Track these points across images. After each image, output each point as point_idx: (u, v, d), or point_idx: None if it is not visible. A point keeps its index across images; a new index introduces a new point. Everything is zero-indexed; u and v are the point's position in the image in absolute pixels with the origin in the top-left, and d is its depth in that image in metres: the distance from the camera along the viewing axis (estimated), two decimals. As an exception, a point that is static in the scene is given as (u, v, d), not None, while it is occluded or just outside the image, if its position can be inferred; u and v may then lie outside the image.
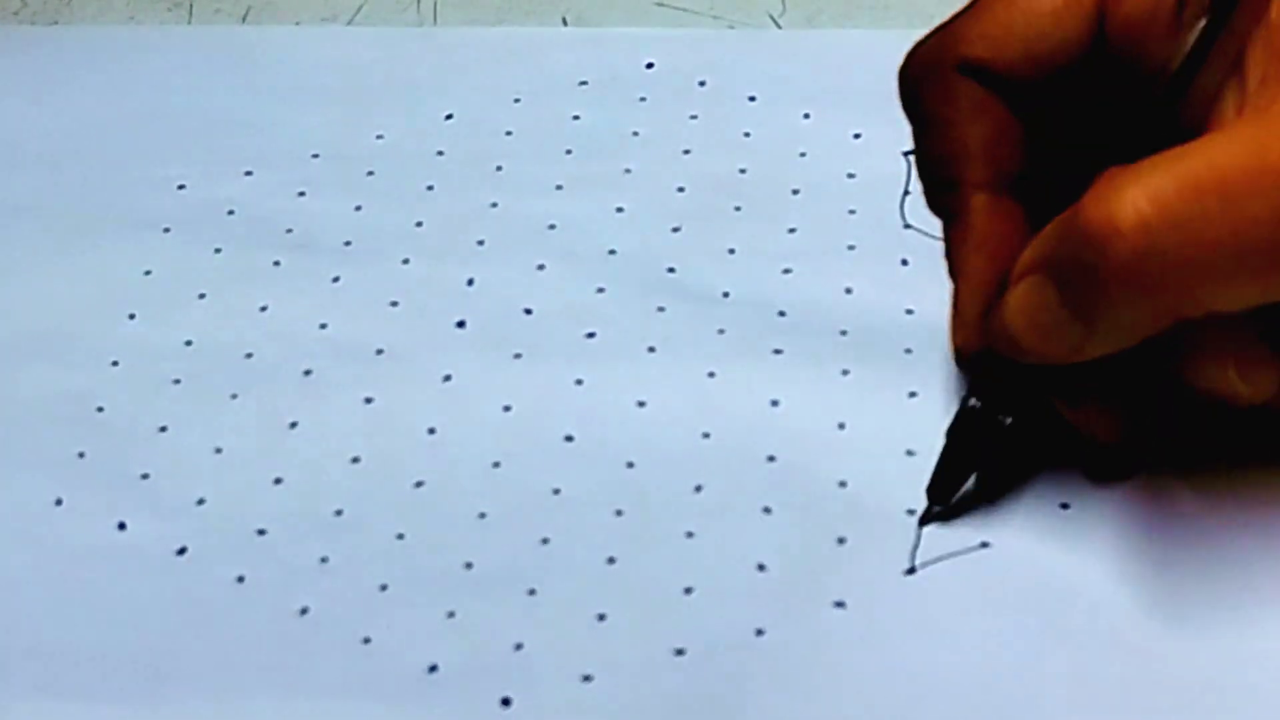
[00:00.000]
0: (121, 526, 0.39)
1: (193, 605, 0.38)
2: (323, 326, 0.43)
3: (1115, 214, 0.32)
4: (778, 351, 0.42)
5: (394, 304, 0.44)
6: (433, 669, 0.36)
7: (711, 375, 0.42)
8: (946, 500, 0.38)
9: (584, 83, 0.50)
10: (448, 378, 0.42)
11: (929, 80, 0.38)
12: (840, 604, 0.37)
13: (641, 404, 0.41)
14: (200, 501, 0.40)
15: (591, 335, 0.43)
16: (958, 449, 0.38)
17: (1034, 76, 0.37)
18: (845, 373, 0.41)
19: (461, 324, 0.43)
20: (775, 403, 0.41)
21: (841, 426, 0.40)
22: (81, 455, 0.41)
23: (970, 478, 0.38)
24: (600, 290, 0.44)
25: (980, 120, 0.37)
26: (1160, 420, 0.38)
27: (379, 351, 0.43)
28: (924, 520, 0.38)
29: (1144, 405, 0.37)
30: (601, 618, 0.37)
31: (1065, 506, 0.38)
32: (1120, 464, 0.39)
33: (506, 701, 0.36)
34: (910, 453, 0.39)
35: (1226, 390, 0.35)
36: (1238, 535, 0.37)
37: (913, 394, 0.41)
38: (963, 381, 0.40)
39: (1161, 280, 0.32)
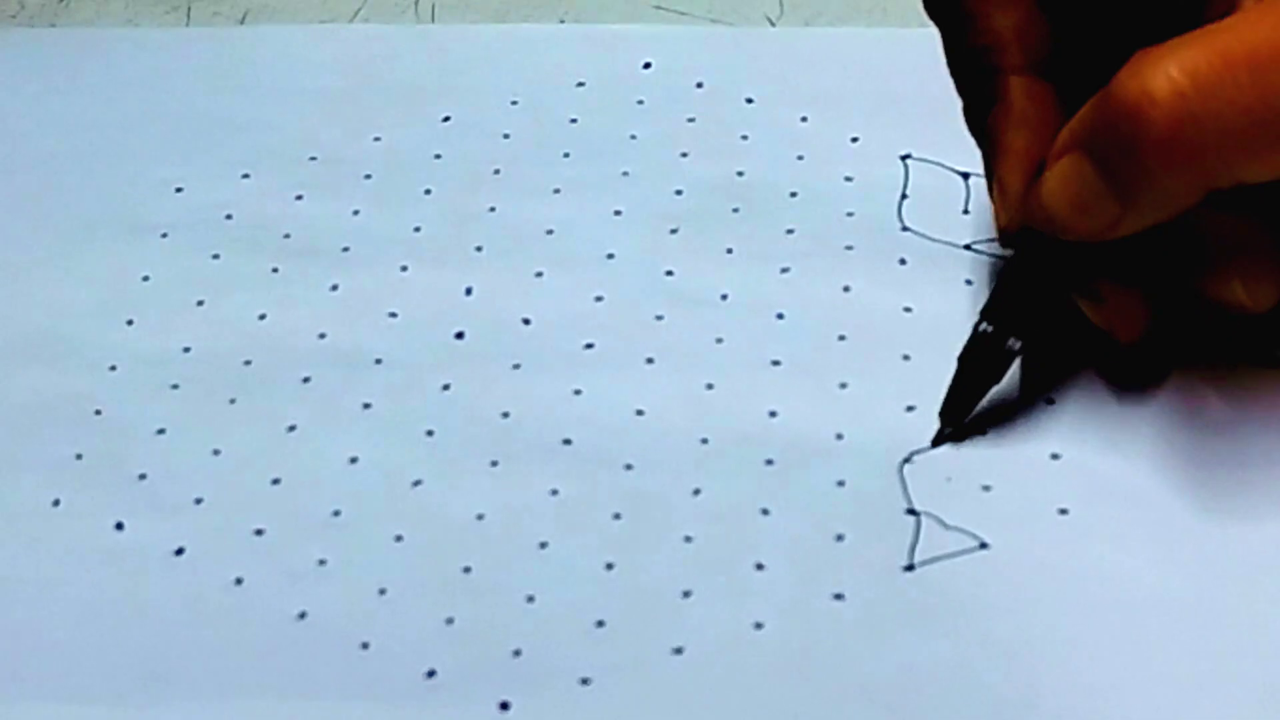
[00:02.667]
0: (119, 527, 0.39)
1: (190, 606, 0.38)
2: (321, 336, 0.43)
3: (1150, 85, 0.33)
4: (776, 363, 0.42)
5: (392, 315, 0.44)
6: (431, 674, 0.36)
7: (710, 387, 0.42)
8: (958, 423, 0.39)
9: (581, 84, 0.50)
10: (446, 387, 0.42)
11: None
12: (839, 597, 0.37)
13: (640, 412, 0.41)
14: (198, 501, 0.40)
15: (590, 346, 0.43)
16: (969, 372, 0.39)
17: None
18: (843, 385, 0.41)
19: (460, 335, 0.43)
20: (773, 413, 0.41)
21: (839, 437, 0.40)
22: (79, 456, 0.41)
23: (981, 400, 0.39)
24: (599, 299, 0.44)
25: (1009, 8, 0.39)
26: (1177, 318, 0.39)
27: (377, 361, 0.43)
28: (936, 441, 0.39)
29: (1163, 302, 0.39)
30: (600, 624, 0.37)
31: (1064, 512, 0.38)
32: (1140, 366, 0.39)
33: (505, 706, 0.36)
34: (909, 459, 0.39)
35: (1232, 300, 0.37)
36: (1238, 540, 0.37)
37: (911, 408, 0.41)
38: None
39: (1195, 148, 0.34)
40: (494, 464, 0.40)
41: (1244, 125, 0.33)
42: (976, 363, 0.39)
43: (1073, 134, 0.36)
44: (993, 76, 0.39)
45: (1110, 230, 0.36)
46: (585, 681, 0.36)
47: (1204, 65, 0.33)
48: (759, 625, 0.37)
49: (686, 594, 0.37)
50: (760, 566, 0.38)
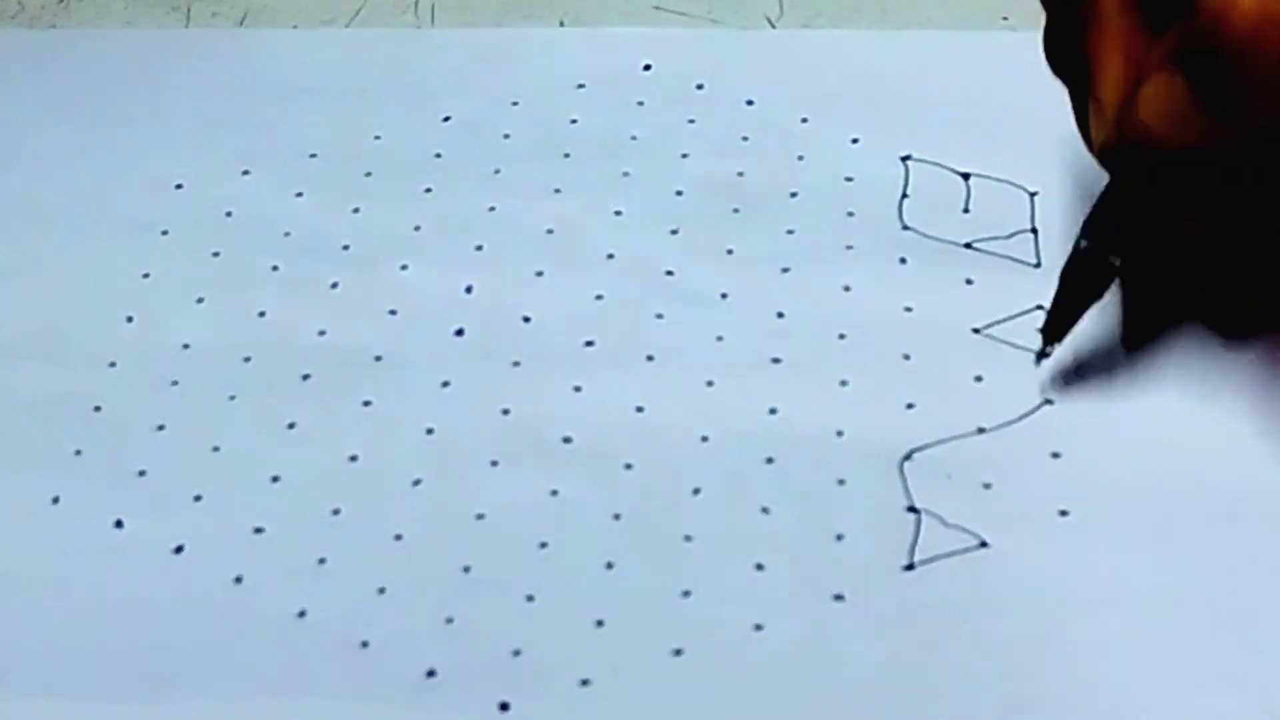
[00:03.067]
0: (119, 524, 0.39)
1: (190, 604, 0.38)
2: (321, 333, 0.43)
3: None
4: (776, 361, 0.42)
5: (392, 312, 0.44)
6: (431, 674, 0.36)
7: (710, 384, 0.42)
8: (1059, 339, 0.38)
9: (582, 85, 0.50)
10: (446, 384, 0.42)
11: None
12: (839, 597, 0.37)
13: (640, 409, 0.41)
14: (198, 499, 0.40)
15: (590, 344, 0.43)
16: (1070, 289, 0.38)
17: None
18: (844, 383, 0.41)
19: (460, 332, 0.43)
20: (774, 411, 0.41)
21: (840, 434, 0.40)
22: (79, 453, 0.41)
23: (1082, 317, 0.38)
24: (599, 297, 0.44)
25: None
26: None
27: (377, 358, 0.43)
28: (1040, 358, 0.39)
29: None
30: (600, 623, 0.37)
31: (1064, 514, 0.38)
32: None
33: (505, 706, 0.36)
34: (909, 457, 0.39)
35: None
36: (1238, 540, 0.37)
37: (910, 405, 0.41)
38: (962, 394, 0.40)
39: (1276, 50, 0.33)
40: (494, 463, 0.40)
41: None
42: (1078, 279, 0.39)
43: (1164, 49, 0.36)
44: (1090, 2, 0.38)
45: (1204, 138, 0.36)
46: (585, 682, 0.36)
47: None
48: (759, 627, 0.37)
49: (686, 594, 0.37)
50: (760, 567, 0.38)
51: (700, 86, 0.49)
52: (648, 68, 0.50)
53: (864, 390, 0.41)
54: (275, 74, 0.51)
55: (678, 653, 0.36)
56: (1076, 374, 0.38)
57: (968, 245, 0.44)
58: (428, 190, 0.47)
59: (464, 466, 0.40)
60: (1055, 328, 0.39)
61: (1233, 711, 0.35)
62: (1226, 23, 0.34)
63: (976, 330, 0.42)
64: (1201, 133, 0.36)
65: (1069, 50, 0.39)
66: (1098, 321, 0.38)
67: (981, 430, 0.40)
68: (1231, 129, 0.36)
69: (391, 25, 0.53)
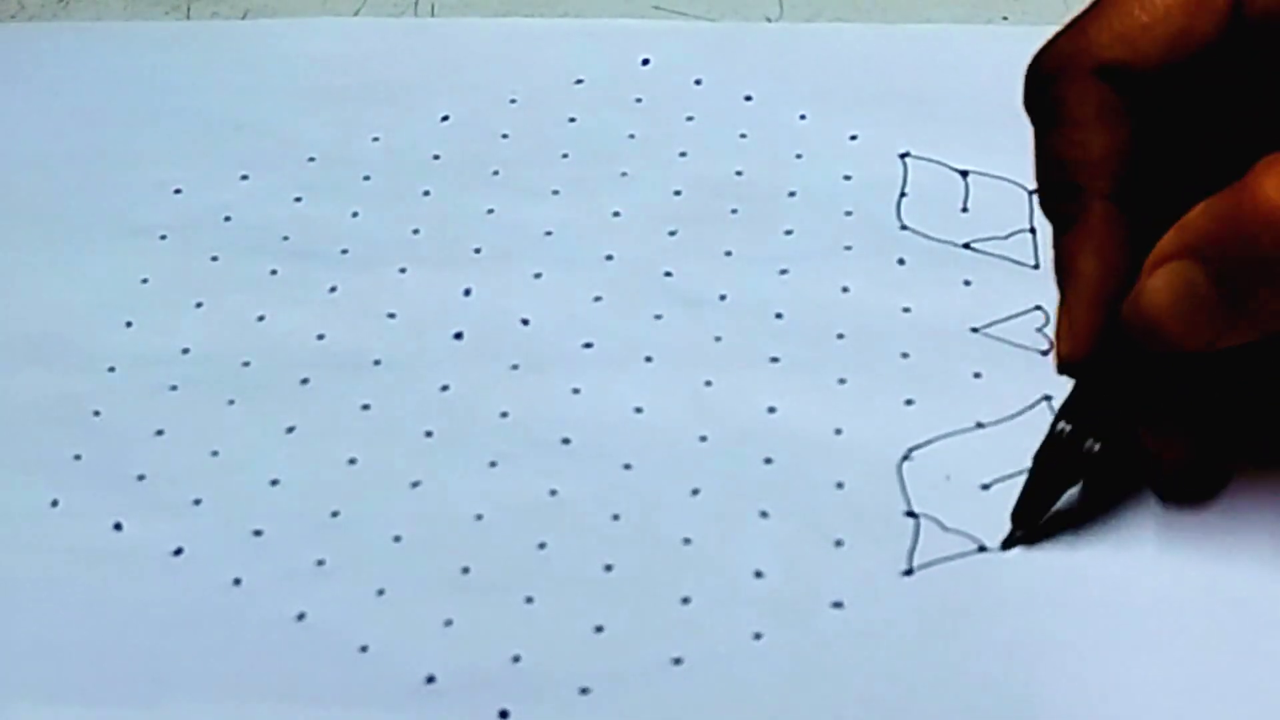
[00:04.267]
0: (118, 527, 0.39)
1: (189, 607, 0.38)
2: (320, 337, 0.43)
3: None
4: (774, 360, 0.42)
5: (391, 315, 0.44)
6: (430, 680, 0.36)
7: (708, 384, 0.41)
8: (1032, 525, 0.38)
9: (580, 81, 0.50)
10: (445, 387, 0.42)
11: (1063, 82, 0.37)
12: (838, 605, 0.37)
13: (639, 410, 0.41)
14: (197, 502, 0.40)
15: (589, 346, 0.43)
16: (1045, 474, 0.38)
17: (1167, 73, 0.37)
18: (842, 381, 0.41)
19: (459, 335, 0.43)
20: (772, 409, 0.41)
21: (839, 432, 0.40)
22: (78, 457, 0.41)
23: (1055, 503, 0.38)
24: (597, 299, 0.44)
25: (1110, 127, 0.37)
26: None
27: (376, 362, 0.43)
28: (1006, 545, 0.38)
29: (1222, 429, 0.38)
30: (599, 629, 0.37)
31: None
32: (1195, 486, 0.39)
33: (504, 714, 0.36)
34: (907, 457, 0.39)
35: None
36: (1238, 540, 0.37)
37: (909, 401, 0.41)
38: (960, 391, 0.40)
39: None
40: (493, 464, 0.40)
41: None
42: (1053, 464, 0.38)
43: (1182, 239, 0.35)
44: (1076, 195, 0.37)
45: (1218, 339, 0.35)
46: (585, 691, 0.36)
47: None
48: (758, 635, 0.37)
49: (685, 600, 0.37)
50: (759, 574, 0.38)
51: (698, 82, 0.49)
52: (646, 63, 0.50)
53: (862, 388, 0.41)
54: (275, 70, 0.51)
55: (677, 662, 0.36)
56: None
57: (966, 245, 0.44)
58: (426, 193, 0.47)
59: (463, 468, 0.40)
60: (1028, 513, 0.38)
61: (1233, 711, 0.35)
62: (1263, 211, 0.32)
63: (975, 330, 0.42)
64: (1219, 331, 0.34)
65: (1053, 223, 0.38)
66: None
67: (980, 425, 0.40)
68: (1251, 332, 0.34)
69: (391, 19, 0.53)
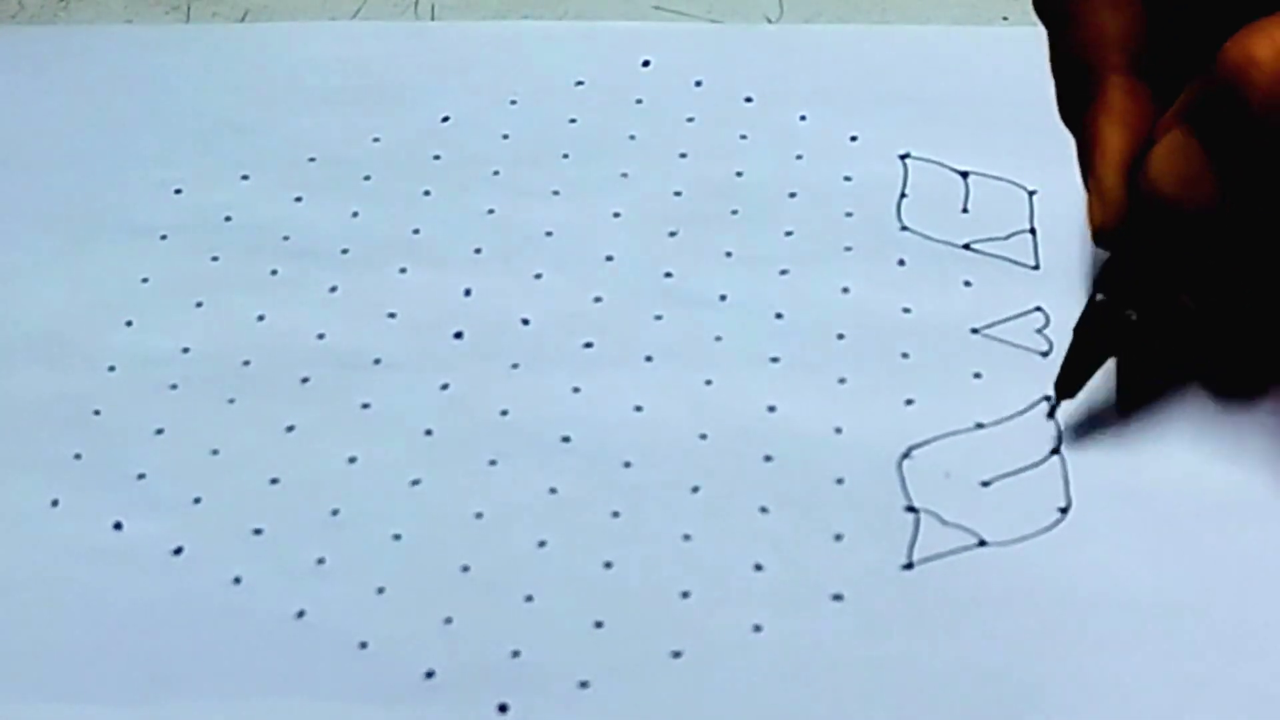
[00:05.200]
0: (118, 526, 0.39)
1: (189, 606, 0.38)
2: (320, 337, 0.43)
3: (1253, 50, 0.34)
4: (774, 359, 0.42)
5: (391, 315, 0.44)
6: (430, 675, 0.36)
7: (709, 383, 0.42)
8: (1073, 393, 0.39)
9: (580, 83, 0.50)
10: (445, 386, 0.42)
11: None
12: (838, 598, 0.37)
13: (639, 408, 0.41)
14: (197, 501, 0.40)
15: (589, 345, 0.43)
16: (1085, 343, 0.39)
17: None
18: (842, 381, 0.41)
19: (459, 335, 0.43)
20: (772, 408, 0.41)
21: (839, 431, 0.40)
22: (78, 457, 0.41)
23: (1096, 371, 0.39)
24: (597, 299, 0.44)
25: (1117, 9, 0.39)
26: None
27: (376, 361, 0.43)
28: (1052, 412, 0.39)
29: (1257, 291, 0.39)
30: (599, 624, 0.37)
31: (1064, 510, 0.38)
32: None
33: (504, 708, 0.36)
34: (908, 455, 0.39)
35: None
36: (1238, 538, 0.37)
37: (909, 401, 0.41)
38: (960, 391, 0.40)
39: None
40: (492, 463, 0.40)
41: None
42: (1092, 334, 0.39)
43: (1177, 109, 0.36)
44: (1092, 74, 0.39)
45: (1216, 204, 0.36)
46: (584, 684, 0.36)
47: None
48: (758, 628, 0.37)
49: (685, 594, 0.37)
50: (759, 567, 0.38)
51: (699, 83, 0.49)
52: (646, 64, 0.50)
53: (862, 387, 0.41)
54: (275, 71, 0.51)
55: (676, 654, 0.36)
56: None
57: (966, 246, 0.44)
58: (426, 193, 0.47)
59: (462, 466, 0.40)
60: (1069, 382, 0.39)
61: (1233, 710, 0.35)
62: (1246, 79, 0.34)
63: (975, 330, 0.42)
64: (1213, 196, 0.35)
65: (1075, 119, 0.39)
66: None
67: (980, 425, 0.40)
68: (1244, 192, 0.35)
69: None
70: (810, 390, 0.41)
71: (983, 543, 0.38)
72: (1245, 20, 0.35)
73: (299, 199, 0.47)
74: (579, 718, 0.36)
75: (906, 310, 0.43)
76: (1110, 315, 0.38)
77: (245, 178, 0.48)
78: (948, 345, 0.41)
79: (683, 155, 0.47)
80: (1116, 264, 0.39)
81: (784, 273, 0.44)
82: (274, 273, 0.45)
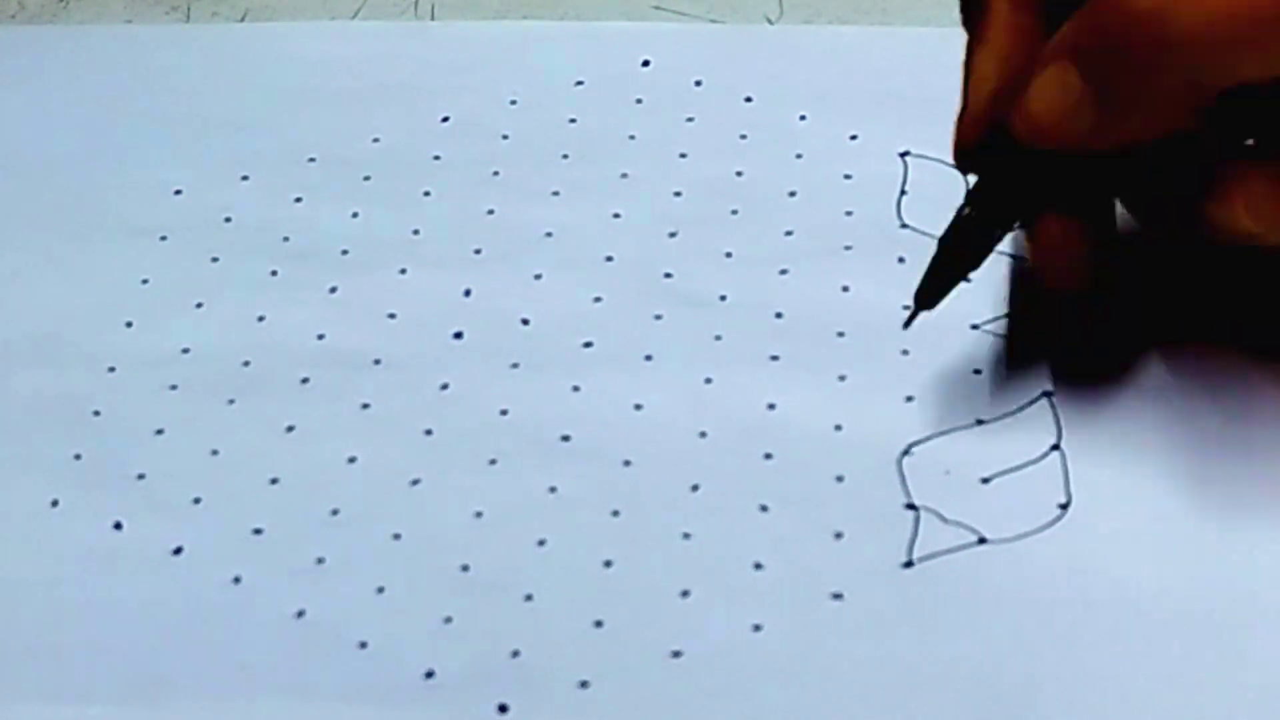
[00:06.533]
0: (118, 526, 0.39)
1: (189, 606, 0.38)
2: (320, 337, 0.43)
3: None
4: (774, 358, 0.42)
5: (391, 316, 0.44)
6: (429, 675, 0.36)
7: (708, 381, 0.41)
8: (932, 305, 0.39)
9: (580, 83, 0.50)
10: (445, 386, 0.42)
11: None
12: (838, 596, 0.37)
13: (638, 407, 0.41)
14: (196, 501, 0.40)
15: (589, 345, 0.43)
16: (948, 256, 0.39)
17: None
18: (842, 378, 0.41)
19: (459, 335, 0.43)
20: (772, 406, 0.41)
21: (838, 428, 0.40)
22: (78, 457, 0.41)
23: (957, 286, 0.39)
24: (597, 299, 0.44)
25: None
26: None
27: (376, 362, 0.43)
28: (907, 324, 0.39)
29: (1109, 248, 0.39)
30: (598, 624, 0.37)
31: (1064, 507, 0.38)
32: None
33: (504, 708, 0.36)
34: (908, 452, 0.39)
35: (1236, 228, 0.36)
36: (1238, 536, 0.37)
37: (909, 398, 0.41)
38: (959, 392, 0.40)
39: (1174, 40, 0.34)
40: (492, 462, 0.40)
41: (1226, 20, 0.33)
42: (959, 247, 0.39)
43: (1059, 40, 0.37)
44: (982, 6, 0.40)
45: (1093, 136, 0.36)
46: (584, 685, 0.36)
47: None
48: (757, 627, 0.37)
49: (685, 594, 0.37)
50: (759, 566, 0.38)
51: (699, 83, 0.49)
52: (646, 64, 0.50)
53: (863, 385, 0.41)
54: (275, 71, 0.51)
55: (676, 654, 0.36)
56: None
57: (966, 245, 0.44)
58: (426, 194, 0.47)
59: (462, 466, 0.40)
60: (929, 294, 0.39)
61: (1233, 709, 0.35)
62: (1126, 10, 0.34)
63: (975, 327, 0.42)
64: (1091, 126, 0.36)
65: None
66: None
67: (980, 422, 0.40)
68: (1123, 127, 0.35)
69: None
70: (810, 388, 0.41)
71: (983, 540, 0.38)
72: None
73: (299, 199, 0.47)
74: (579, 718, 0.36)
75: (907, 307, 0.42)
76: (976, 231, 0.39)
77: (245, 178, 0.48)
78: (948, 342, 0.41)
79: (683, 155, 0.47)
80: (985, 184, 0.39)
81: (784, 272, 0.44)
82: (274, 273, 0.45)
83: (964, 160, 0.39)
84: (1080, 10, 0.36)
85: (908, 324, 0.39)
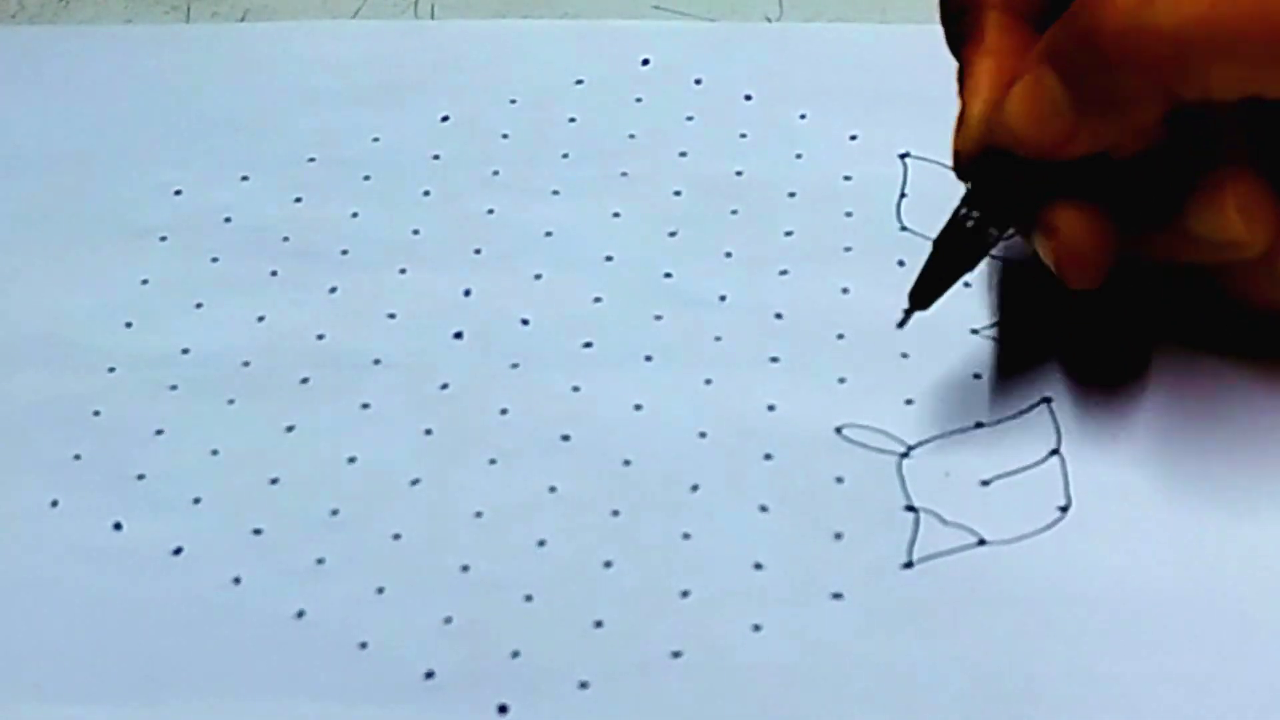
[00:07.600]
0: (118, 527, 0.39)
1: (189, 606, 0.38)
2: (320, 337, 0.43)
3: None
4: (774, 359, 0.42)
5: (391, 315, 0.44)
6: (429, 675, 0.36)
7: (708, 382, 0.42)
8: (926, 306, 0.39)
9: (580, 81, 0.50)
10: (445, 386, 0.42)
11: None
12: (838, 596, 0.37)
13: (638, 407, 0.41)
14: (196, 501, 0.40)
15: (589, 345, 0.43)
16: (944, 257, 0.39)
17: None
18: (842, 380, 0.41)
19: (459, 335, 0.43)
20: (772, 407, 0.41)
21: (838, 430, 0.40)
22: (78, 457, 0.41)
23: (952, 286, 0.39)
24: (597, 300, 0.44)
25: None
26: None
27: (376, 362, 0.43)
28: (902, 324, 0.39)
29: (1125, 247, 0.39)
30: (598, 624, 0.37)
31: (1063, 510, 0.38)
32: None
33: (504, 709, 0.36)
34: (907, 455, 0.39)
35: (1227, 234, 0.37)
36: (1238, 536, 0.37)
37: (909, 401, 0.41)
38: (959, 395, 0.41)
39: (1149, 46, 0.34)
40: (492, 461, 0.40)
41: (1198, 32, 0.34)
42: (955, 248, 0.39)
43: (1039, 48, 0.37)
44: (972, 12, 0.40)
45: (1067, 141, 0.37)
46: (584, 685, 0.36)
47: None
48: (757, 627, 0.37)
49: (685, 594, 0.37)
50: (759, 566, 0.38)
51: (699, 81, 0.49)
52: (646, 62, 0.50)
53: (862, 387, 0.41)
54: (275, 71, 0.51)
55: (676, 655, 0.36)
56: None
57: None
58: (426, 193, 0.47)
59: (462, 466, 0.40)
60: (924, 294, 0.39)
61: (1233, 708, 0.35)
62: (1099, 17, 0.35)
63: (974, 331, 0.42)
64: (1066, 132, 0.36)
65: (956, 52, 0.40)
66: None
67: (980, 425, 0.40)
68: (1099, 132, 0.36)
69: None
70: (810, 390, 0.41)
71: (982, 542, 0.38)
72: None
73: (299, 199, 0.47)
74: (579, 718, 0.36)
75: (906, 310, 0.43)
76: (972, 233, 0.39)
77: (245, 178, 0.48)
78: (948, 346, 0.41)
79: (682, 154, 0.47)
80: (982, 186, 0.39)
81: (784, 273, 0.44)
82: (274, 273, 0.45)
83: (964, 172, 0.40)
84: (1060, 17, 0.37)
85: (902, 324, 0.39)
